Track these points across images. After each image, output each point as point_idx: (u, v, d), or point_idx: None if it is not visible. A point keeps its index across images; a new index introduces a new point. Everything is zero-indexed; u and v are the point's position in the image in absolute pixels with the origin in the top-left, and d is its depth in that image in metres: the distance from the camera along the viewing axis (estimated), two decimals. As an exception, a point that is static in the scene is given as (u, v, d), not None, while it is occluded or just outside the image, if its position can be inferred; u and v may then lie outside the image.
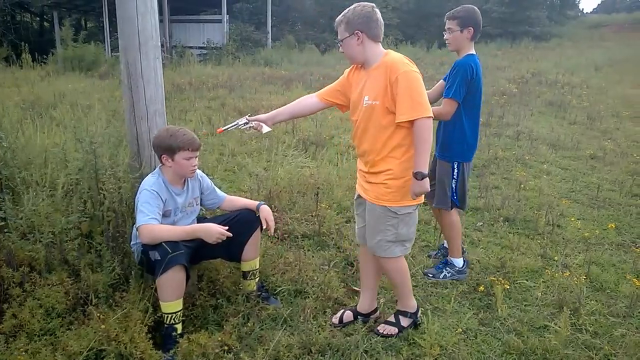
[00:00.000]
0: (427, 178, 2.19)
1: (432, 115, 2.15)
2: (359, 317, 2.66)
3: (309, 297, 2.81)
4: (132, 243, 2.60)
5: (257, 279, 2.78)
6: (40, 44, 20.36)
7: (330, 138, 6.51)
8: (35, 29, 25.70)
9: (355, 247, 3.45)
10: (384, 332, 2.55)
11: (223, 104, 8.79)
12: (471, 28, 2.83)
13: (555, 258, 3.49)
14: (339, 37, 2.31)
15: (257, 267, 2.78)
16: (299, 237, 3.56)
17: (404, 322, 2.59)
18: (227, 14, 20.55)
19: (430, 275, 3.18)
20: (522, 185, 4.94)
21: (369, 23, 2.25)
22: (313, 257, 3.31)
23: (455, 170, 2.98)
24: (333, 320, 2.63)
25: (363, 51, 2.28)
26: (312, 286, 2.90)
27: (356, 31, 2.24)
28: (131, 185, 3.15)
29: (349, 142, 6.30)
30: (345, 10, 2.28)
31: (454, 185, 3.00)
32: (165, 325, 2.33)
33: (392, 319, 2.61)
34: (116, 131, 3.40)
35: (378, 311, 2.74)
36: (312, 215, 3.87)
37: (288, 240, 3.54)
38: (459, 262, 3.17)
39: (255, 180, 4.23)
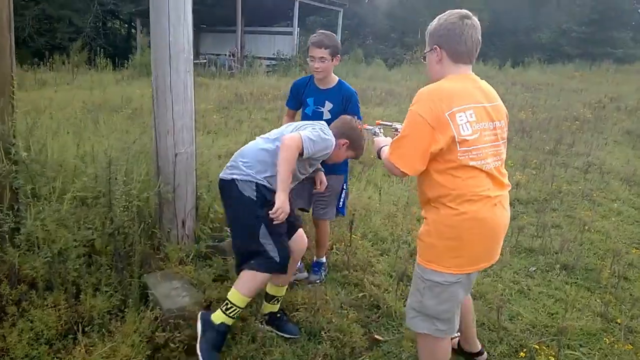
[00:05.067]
0: None
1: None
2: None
3: (322, 343, 2.55)
4: (249, 172, 2.35)
5: (279, 305, 2.67)
6: (124, 49, 21.68)
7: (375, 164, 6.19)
8: (123, 35, 27.42)
9: (386, 286, 3.14)
10: None
11: (279, 117, 8.73)
12: (339, 56, 2.92)
13: (619, 320, 2.99)
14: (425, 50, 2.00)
15: (283, 294, 2.68)
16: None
17: None
18: (299, 26, 20.83)
19: (318, 281, 3.18)
20: (587, 227, 4.38)
21: (451, 37, 1.83)
22: (337, 294, 3.04)
23: (346, 182, 3.22)
24: None
25: (441, 72, 1.89)
26: (329, 330, 2.63)
27: (435, 46, 1.87)
28: (151, 202, 3.06)
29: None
30: (435, 19, 1.92)
31: (344, 195, 3.19)
32: (219, 323, 2.29)
33: None
34: (144, 144, 3.34)
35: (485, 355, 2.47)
36: (343, 245, 3.60)
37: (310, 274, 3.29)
38: (324, 258, 3.31)
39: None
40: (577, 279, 3.52)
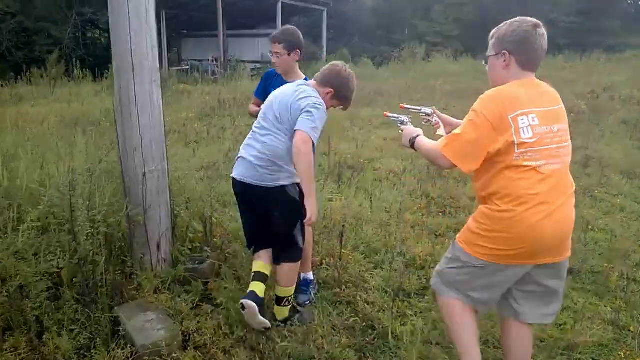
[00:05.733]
0: None
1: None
2: None
3: (313, 374, 2.31)
4: (292, 171, 2.48)
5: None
6: (105, 59, 21.27)
7: (369, 162, 5.97)
8: (103, 44, 26.99)
9: (381, 304, 2.91)
10: None
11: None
12: (298, 50, 2.85)
13: (631, 328, 2.78)
14: (487, 53, 2.00)
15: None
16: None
17: None
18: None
19: (308, 302, 2.94)
20: (590, 226, 4.17)
21: (524, 45, 1.87)
22: (329, 315, 2.79)
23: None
24: None
25: (506, 77, 1.92)
26: (319, 359, 2.39)
27: (504, 51, 1.90)
28: (122, 227, 2.81)
29: (391, 167, 5.76)
30: (503, 23, 1.95)
31: None
32: (286, 317, 2.65)
33: None
34: (113, 162, 3.08)
35: None
36: (333, 260, 3.36)
37: (297, 292, 3.03)
38: (311, 274, 3.07)
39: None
40: (584, 283, 3.30)
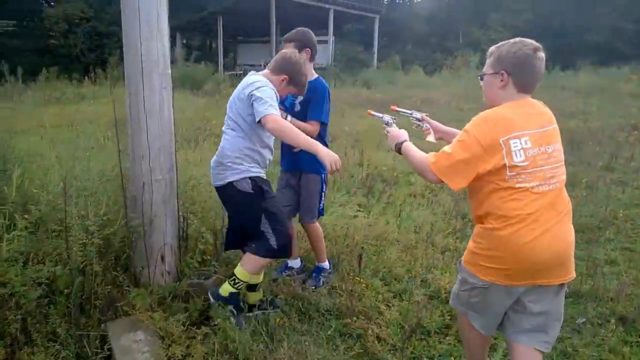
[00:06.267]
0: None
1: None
2: None
3: None
4: (241, 167, 2.52)
5: (235, 290, 2.65)
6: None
7: (405, 175, 5.64)
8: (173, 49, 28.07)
9: (394, 342, 2.61)
10: None
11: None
12: (309, 49, 2.92)
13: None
14: (483, 69, 2.00)
15: (261, 279, 2.77)
16: (323, 314, 2.81)
17: None
18: (334, 35, 20.56)
19: (313, 287, 3.08)
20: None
21: (523, 68, 1.88)
22: (335, 349, 2.52)
23: (324, 182, 3.15)
24: None
25: (501, 97, 1.92)
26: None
27: (502, 71, 1.89)
28: (117, 238, 2.68)
29: (427, 182, 5.39)
30: (503, 42, 1.94)
31: (322, 196, 3.17)
32: (229, 294, 2.56)
33: None
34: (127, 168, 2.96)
35: None
36: (348, 284, 3.08)
37: (306, 319, 2.79)
38: (327, 264, 3.26)
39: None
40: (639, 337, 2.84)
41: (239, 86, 2.56)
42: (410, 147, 2.07)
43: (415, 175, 5.68)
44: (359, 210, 4.32)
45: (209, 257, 3.16)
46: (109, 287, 2.50)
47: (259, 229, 2.52)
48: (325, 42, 20.57)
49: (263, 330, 2.57)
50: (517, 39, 1.91)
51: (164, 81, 2.67)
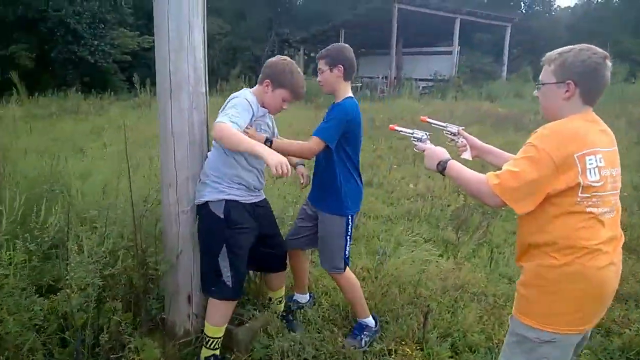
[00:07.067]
0: None
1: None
2: None
3: None
4: (218, 187, 2.35)
5: (282, 304, 2.77)
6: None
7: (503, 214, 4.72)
8: (296, 60, 29.31)
9: None
10: None
11: (407, 145, 7.72)
12: (341, 66, 2.55)
13: None
14: (540, 77, 1.77)
15: (282, 295, 2.78)
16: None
17: None
18: (460, 45, 19.50)
19: (353, 347, 2.54)
20: None
21: (593, 78, 1.67)
22: None
23: (350, 225, 2.63)
24: None
25: (565, 109, 1.70)
26: None
27: (569, 81, 1.67)
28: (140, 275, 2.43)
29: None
30: (567, 48, 1.70)
31: (348, 240, 2.64)
32: (209, 356, 2.36)
33: None
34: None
35: None
36: (407, 350, 2.50)
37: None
38: (371, 321, 2.72)
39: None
40: None
41: None
42: (459, 165, 1.82)
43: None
44: (439, 254, 3.62)
45: (249, 298, 2.83)
46: (122, 330, 2.25)
47: (216, 260, 2.31)
48: (449, 52, 19.60)
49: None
50: (584, 45, 1.68)
51: (194, 100, 2.38)
